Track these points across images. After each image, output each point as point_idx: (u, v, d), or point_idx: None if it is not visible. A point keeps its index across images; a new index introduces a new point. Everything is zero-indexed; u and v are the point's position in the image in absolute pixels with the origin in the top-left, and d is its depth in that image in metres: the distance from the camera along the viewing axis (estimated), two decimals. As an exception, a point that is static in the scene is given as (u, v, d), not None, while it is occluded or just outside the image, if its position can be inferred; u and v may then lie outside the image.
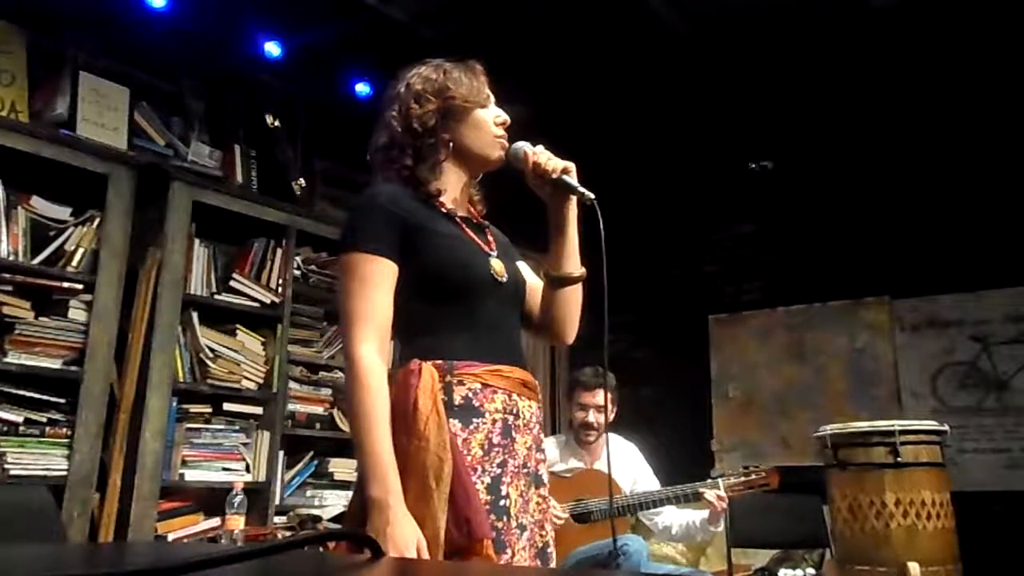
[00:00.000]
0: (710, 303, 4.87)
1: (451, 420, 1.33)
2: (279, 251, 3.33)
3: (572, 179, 1.49)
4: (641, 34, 3.62)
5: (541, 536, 1.44)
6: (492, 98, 1.55)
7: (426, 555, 1.23)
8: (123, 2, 3.21)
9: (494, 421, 1.37)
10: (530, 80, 3.67)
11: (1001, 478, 3.88)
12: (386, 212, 1.40)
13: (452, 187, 1.51)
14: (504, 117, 1.53)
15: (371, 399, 1.31)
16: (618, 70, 3.89)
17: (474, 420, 1.36)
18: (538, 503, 1.45)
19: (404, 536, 1.23)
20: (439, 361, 1.36)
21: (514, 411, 1.41)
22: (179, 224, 2.98)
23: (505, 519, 1.35)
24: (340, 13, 3.42)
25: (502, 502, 1.36)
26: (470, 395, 1.37)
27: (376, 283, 1.37)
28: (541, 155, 1.50)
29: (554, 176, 1.48)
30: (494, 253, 1.50)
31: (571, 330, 1.62)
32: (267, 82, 3.67)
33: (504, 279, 1.47)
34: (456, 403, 1.35)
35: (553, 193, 1.51)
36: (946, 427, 2.83)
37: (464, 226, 1.50)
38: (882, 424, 2.83)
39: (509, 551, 1.34)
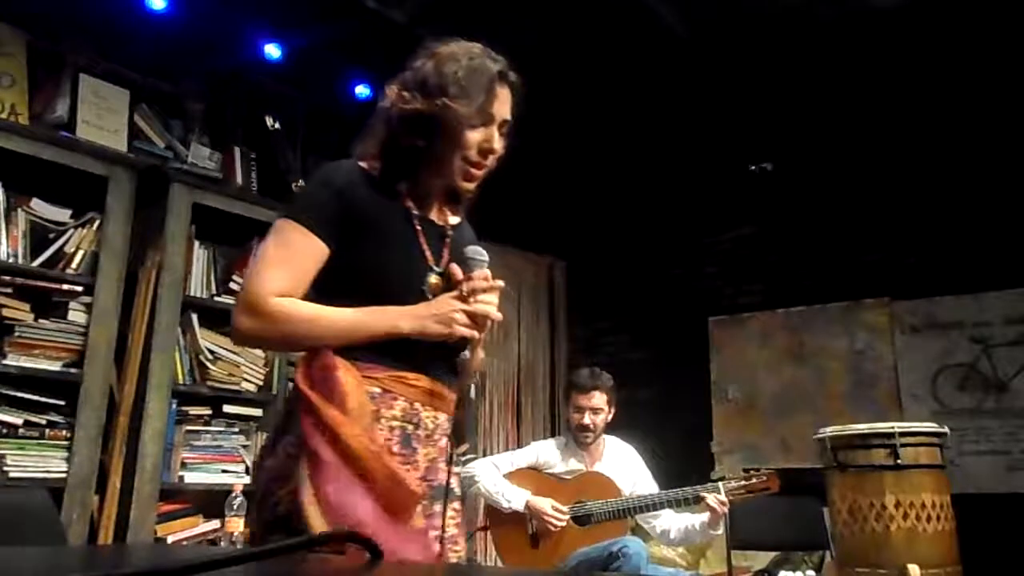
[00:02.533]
0: (710, 305, 4.87)
1: None
2: (279, 253, 3.32)
3: (468, 348, 1.36)
4: (642, 37, 3.62)
5: (455, 552, 1.36)
6: (499, 118, 1.40)
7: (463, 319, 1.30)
8: (123, 4, 3.21)
9: (391, 429, 1.29)
10: (530, 82, 3.66)
11: (1001, 480, 3.88)
12: (339, 193, 1.33)
13: (422, 187, 1.42)
14: (492, 146, 1.39)
15: (306, 311, 1.29)
16: (619, 72, 3.89)
17: None
18: (451, 517, 1.37)
19: (444, 305, 1.31)
20: (347, 356, 1.28)
21: (415, 421, 1.33)
22: (179, 226, 2.98)
23: None
24: (340, 15, 3.42)
25: None
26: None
27: (302, 254, 1.31)
28: (482, 297, 1.34)
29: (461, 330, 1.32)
30: (439, 268, 1.39)
31: None
32: (267, 84, 3.67)
33: (440, 291, 1.37)
34: None
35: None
36: (946, 429, 2.83)
37: (420, 229, 1.40)
38: (882, 426, 2.83)
39: None
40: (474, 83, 1.36)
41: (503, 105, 1.41)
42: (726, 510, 2.88)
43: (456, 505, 1.40)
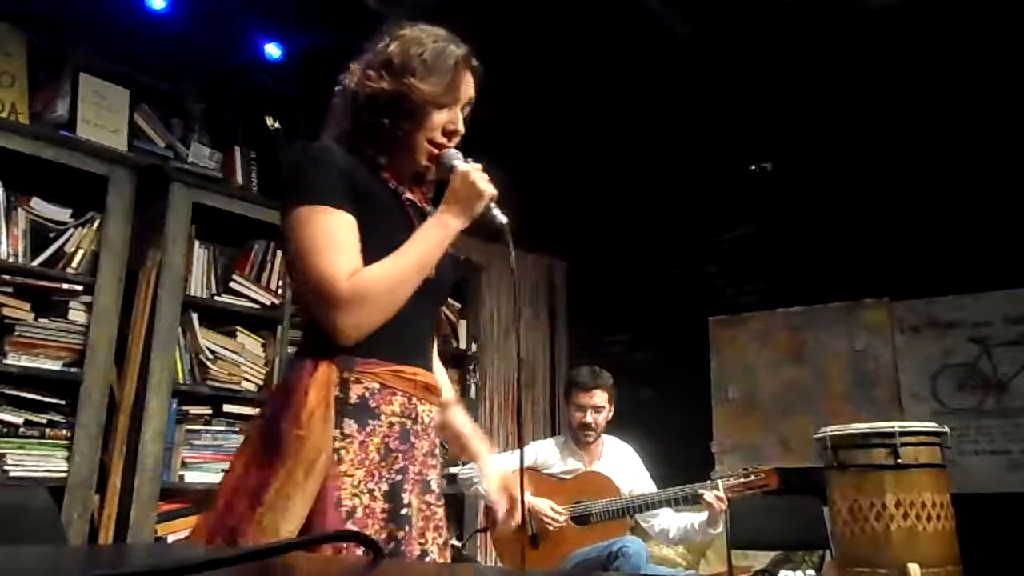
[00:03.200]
0: (710, 304, 4.88)
1: (347, 420, 1.25)
2: (279, 252, 3.33)
3: (496, 209, 1.37)
4: (642, 36, 3.62)
5: (420, 544, 1.32)
6: (463, 101, 1.41)
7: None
8: (123, 4, 3.21)
9: (391, 424, 1.29)
10: (531, 80, 3.67)
11: (1001, 479, 3.88)
12: (343, 173, 1.30)
13: (398, 168, 1.40)
14: (457, 127, 1.40)
15: (383, 270, 1.25)
16: (619, 72, 3.89)
17: (370, 422, 1.27)
18: (420, 510, 1.34)
19: (463, 182, 1.32)
20: (341, 355, 1.26)
21: (413, 415, 1.33)
22: (179, 225, 2.98)
23: (407, 528, 1.27)
24: (340, 15, 3.42)
25: (403, 511, 1.27)
26: (366, 395, 1.27)
27: (344, 232, 1.26)
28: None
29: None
30: None
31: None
32: (267, 83, 3.67)
33: (432, 277, 1.34)
34: (351, 401, 1.26)
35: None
36: (946, 428, 2.83)
37: (410, 210, 1.39)
38: (882, 425, 2.82)
39: None
40: (439, 64, 1.37)
41: (467, 88, 1.42)
42: (724, 507, 2.88)
43: (429, 498, 1.36)
